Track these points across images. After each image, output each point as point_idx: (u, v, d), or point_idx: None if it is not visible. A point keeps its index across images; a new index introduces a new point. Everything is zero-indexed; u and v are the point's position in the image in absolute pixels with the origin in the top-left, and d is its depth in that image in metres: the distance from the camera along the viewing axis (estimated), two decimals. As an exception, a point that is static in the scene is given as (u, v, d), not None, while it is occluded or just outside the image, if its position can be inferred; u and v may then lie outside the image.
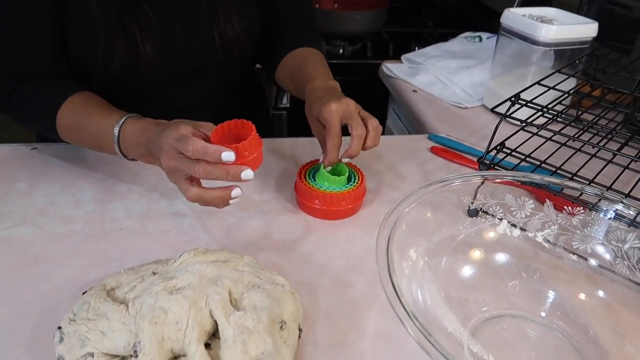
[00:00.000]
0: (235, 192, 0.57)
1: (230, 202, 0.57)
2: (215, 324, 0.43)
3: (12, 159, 0.75)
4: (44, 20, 0.68)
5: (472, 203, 0.57)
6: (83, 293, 0.49)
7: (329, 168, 0.67)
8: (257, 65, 0.96)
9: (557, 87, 0.76)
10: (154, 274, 0.48)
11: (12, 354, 0.46)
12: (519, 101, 0.68)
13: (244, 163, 0.54)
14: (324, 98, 0.66)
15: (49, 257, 0.58)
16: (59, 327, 0.44)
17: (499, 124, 0.67)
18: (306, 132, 0.82)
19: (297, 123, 1.45)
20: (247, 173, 0.54)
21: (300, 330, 0.47)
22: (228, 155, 0.53)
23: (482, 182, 0.56)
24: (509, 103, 0.70)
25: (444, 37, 1.43)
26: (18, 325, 0.49)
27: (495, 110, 0.68)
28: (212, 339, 0.43)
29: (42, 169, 0.73)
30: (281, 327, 0.45)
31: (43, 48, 0.70)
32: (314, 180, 0.68)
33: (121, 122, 0.63)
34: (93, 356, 0.41)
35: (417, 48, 1.40)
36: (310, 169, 0.70)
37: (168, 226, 0.64)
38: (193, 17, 0.75)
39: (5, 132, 1.28)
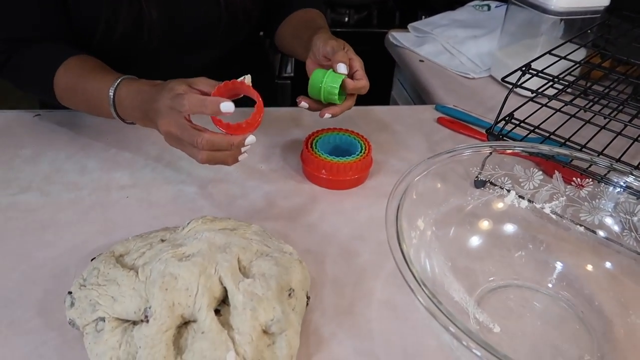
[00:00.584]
0: (248, 143, 0.55)
1: (240, 158, 0.56)
2: (225, 290, 0.43)
3: (16, 126, 0.74)
4: None
5: (480, 174, 0.57)
6: (92, 259, 0.49)
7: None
8: (261, 33, 0.95)
9: (567, 57, 0.74)
10: (163, 241, 0.49)
11: (23, 317, 0.47)
12: (530, 71, 0.67)
13: (246, 130, 0.54)
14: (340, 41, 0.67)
15: (57, 223, 0.58)
16: (70, 292, 0.44)
17: (508, 94, 0.66)
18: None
19: (302, 92, 1.43)
20: (251, 139, 0.54)
21: (308, 297, 0.48)
22: (226, 106, 0.51)
23: (490, 153, 0.56)
24: (518, 73, 0.68)
25: (451, 5, 1.40)
26: (29, 289, 0.50)
27: (505, 80, 0.67)
28: (222, 305, 0.43)
29: (46, 136, 0.72)
30: (289, 294, 0.45)
31: (42, 11, 0.68)
32: (319, 149, 0.67)
33: (116, 84, 0.61)
34: (104, 320, 0.42)
35: (423, 17, 1.38)
36: (317, 139, 0.70)
37: (173, 194, 0.64)
38: None
39: (8, 96, 1.27)
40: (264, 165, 0.71)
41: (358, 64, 0.65)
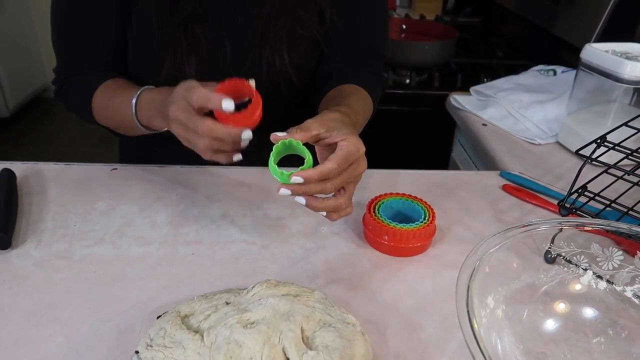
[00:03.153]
0: (244, 138, 0.56)
1: (235, 158, 0.59)
2: (288, 361, 0.42)
3: (94, 179, 0.79)
4: (109, 27, 0.75)
5: (551, 248, 0.54)
6: (157, 317, 0.50)
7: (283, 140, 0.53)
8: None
9: (644, 128, 0.72)
10: (227, 303, 0.49)
11: (89, 372, 0.48)
12: (605, 144, 0.65)
13: (245, 124, 0.56)
14: (347, 128, 0.58)
15: (126, 278, 0.60)
16: (137, 352, 0.45)
17: (582, 166, 0.64)
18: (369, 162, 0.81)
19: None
20: (247, 133, 0.56)
21: (370, 373, 0.46)
22: (227, 104, 0.55)
23: (560, 230, 0.53)
24: (592, 145, 0.66)
25: (514, 69, 1.40)
26: (96, 344, 0.51)
27: (579, 152, 0.65)
28: (284, 376, 0.43)
29: (121, 190, 0.76)
30: (352, 369, 0.44)
31: (103, 52, 0.77)
32: (382, 214, 0.67)
33: (139, 92, 0.68)
34: (168, 384, 0.42)
35: (485, 79, 1.38)
36: (380, 203, 0.69)
37: (237, 253, 0.65)
38: (243, 42, 0.77)
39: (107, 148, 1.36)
40: (326, 227, 0.71)
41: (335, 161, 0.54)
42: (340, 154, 0.53)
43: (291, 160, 0.59)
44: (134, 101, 0.68)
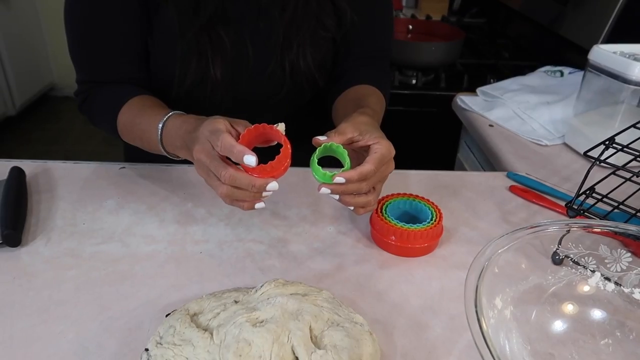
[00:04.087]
0: (269, 189, 0.55)
1: (257, 206, 0.57)
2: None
3: (102, 177, 0.79)
4: (130, 36, 0.74)
5: (558, 249, 0.54)
6: (167, 315, 0.50)
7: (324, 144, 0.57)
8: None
9: (653, 130, 0.71)
10: (236, 302, 0.49)
11: (99, 369, 0.48)
12: (614, 145, 0.65)
13: (271, 175, 0.54)
14: (378, 132, 0.60)
15: (135, 276, 0.60)
16: (146, 349, 0.45)
17: (590, 168, 0.64)
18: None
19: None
20: (273, 185, 0.55)
21: (378, 372, 0.46)
22: (249, 159, 0.53)
23: (568, 231, 0.53)
24: (600, 147, 0.66)
25: (520, 69, 1.40)
26: (106, 341, 0.51)
27: (587, 154, 0.65)
28: (293, 375, 0.43)
29: (129, 188, 0.77)
30: (360, 368, 0.44)
31: (125, 61, 0.76)
32: (389, 215, 0.67)
33: (165, 117, 0.65)
34: (178, 382, 0.42)
35: (492, 80, 1.38)
36: (387, 203, 0.70)
37: (244, 252, 0.65)
38: (267, 44, 0.77)
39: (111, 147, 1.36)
40: (332, 227, 0.71)
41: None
42: (376, 157, 0.57)
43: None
44: (160, 126, 0.65)
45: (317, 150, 0.57)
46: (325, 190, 0.57)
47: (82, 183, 0.77)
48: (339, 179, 0.55)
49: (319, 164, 0.57)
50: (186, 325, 0.46)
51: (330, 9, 0.78)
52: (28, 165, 0.79)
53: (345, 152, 0.57)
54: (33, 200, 0.73)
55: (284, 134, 0.55)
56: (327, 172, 0.57)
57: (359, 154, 0.61)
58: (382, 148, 0.57)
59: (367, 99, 0.75)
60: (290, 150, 0.55)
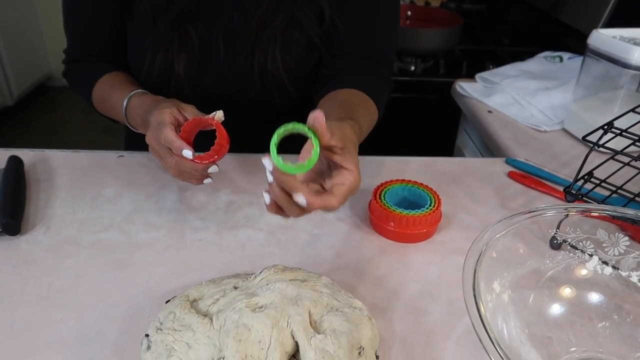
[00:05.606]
0: (210, 172, 0.62)
1: (205, 181, 0.63)
2: (296, 345, 0.43)
3: (101, 166, 0.79)
4: (107, 18, 0.77)
5: (557, 234, 0.54)
6: (166, 301, 0.51)
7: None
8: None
9: (652, 115, 0.71)
10: (235, 288, 0.49)
11: (100, 355, 0.49)
12: (613, 130, 0.64)
13: (211, 160, 0.60)
14: (356, 159, 0.52)
15: (134, 263, 0.60)
16: (147, 335, 0.46)
17: (589, 152, 0.63)
18: (373, 149, 0.81)
19: (365, 139, 1.44)
20: (213, 168, 0.61)
21: (377, 357, 0.47)
22: (187, 153, 0.58)
23: (566, 216, 0.53)
24: (599, 131, 0.66)
25: (520, 56, 1.39)
26: (106, 328, 0.51)
27: (586, 138, 0.65)
28: (292, 359, 0.43)
29: (128, 176, 0.77)
30: (359, 352, 0.44)
31: (101, 42, 0.81)
32: (387, 200, 0.67)
33: (129, 95, 0.72)
34: (178, 367, 0.42)
35: (491, 67, 1.37)
36: (386, 190, 0.70)
37: (244, 239, 0.65)
38: (237, 42, 0.75)
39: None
40: (331, 214, 0.71)
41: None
42: (344, 191, 0.50)
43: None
44: (124, 103, 0.72)
45: (277, 132, 0.47)
46: (269, 168, 0.49)
47: (80, 172, 0.77)
48: (301, 200, 0.48)
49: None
50: (186, 311, 0.46)
51: (309, 7, 0.74)
52: (26, 154, 0.79)
53: (316, 138, 0.48)
54: (32, 189, 0.73)
55: (220, 121, 0.61)
56: (290, 164, 0.47)
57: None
58: (353, 182, 0.50)
59: (356, 109, 0.68)
60: (225, 135, 0.60)
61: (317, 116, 0.48)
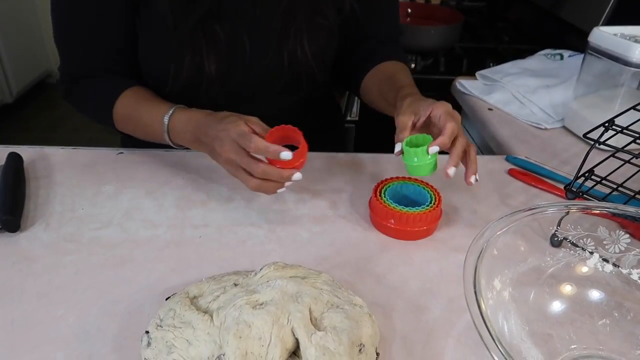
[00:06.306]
0: (294, 179, 0.61)
1: (279, 190, 0.63)
2: (296, 342, 0.43)
3: (101, 163, 0.79)
4: (115, 28, 0.73)
5: (557, 231, 0.54)
6: (167, 298, 0.51)
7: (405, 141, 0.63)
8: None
9: (653, 112, 0.71)
10: (236, 285, 0.49)
11: (100, 352, 0.48)
12: (613, 127, 0.64)
13: (294, 167, 0.61)
14: (427, 101, 0.65)
15: (134, 260, 0.60)
16: (147, 332, 0.46)
17: (589, 150, 0.63)
18: (373, 146, 0.82)
19: (367, 136, 1.44)
20: (297, 175, 0.61)
21: (377, 354, 0.47)
22: (286, 155, 0.59)
23: (567, 213, 0.53)
24: (600, 129, 0.66)
25: (520, 53, 1.39)
26: (106, 324, 0.51)
27: (586, 136, 0.64)
28: (292, 356, 0.43)
29: (127, 173, 0.76)
30: (360, 350, 0.44)
31: (109, 56, 0.76)
32: (388, 198, 0.67)
33: (170, 112, 0.70)
34: (178, 363, 0.42)
35: (491, 64, 1.37)
36: (386, 187, 0.69)
37: (244, 236, 0.65)
38: (263, 36, 0.76)
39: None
40: (331, 211, 0.71)
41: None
42: (443, 116, 0.62)
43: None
44: (165, 120, 0.69)
45: (404, 143, 0.62)
46: (452, 170, 0.61)
47: (80, 169, 0.77)
48: (434, 148, 0.60)
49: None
50: (186, 308, 0.46)
51: None
52: (26, 151, 0.79)
53: (427, 136, 0.62)
54: (31, 186, 0.73)
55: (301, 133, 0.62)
56: (415, 149, 0.61)
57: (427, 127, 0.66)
58: (439, 108, 0.62)
59: (398, 76, 0.79)
60: (307, 146, 0.62)
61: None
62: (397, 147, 0.63)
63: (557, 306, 0.52)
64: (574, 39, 1.33)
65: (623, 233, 0.53)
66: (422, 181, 0.71)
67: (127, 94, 0.75)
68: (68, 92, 0.79)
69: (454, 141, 0.62)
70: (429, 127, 0.65)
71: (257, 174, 0.60)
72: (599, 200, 0.63)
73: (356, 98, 1.39)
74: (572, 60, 1.22)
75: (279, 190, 0.63)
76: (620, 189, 0.65)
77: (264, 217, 0.69)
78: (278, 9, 0.74)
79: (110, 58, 0.76)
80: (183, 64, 0.72)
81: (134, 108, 0.74)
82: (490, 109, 1.07)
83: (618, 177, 0.69)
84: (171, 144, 0.72)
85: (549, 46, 1.31)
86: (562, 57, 1.23)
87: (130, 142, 0.86)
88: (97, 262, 0.60)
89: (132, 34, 0.74)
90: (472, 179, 0.63)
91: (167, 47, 0.73)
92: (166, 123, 0.69)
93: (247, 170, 0.61)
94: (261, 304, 0.44)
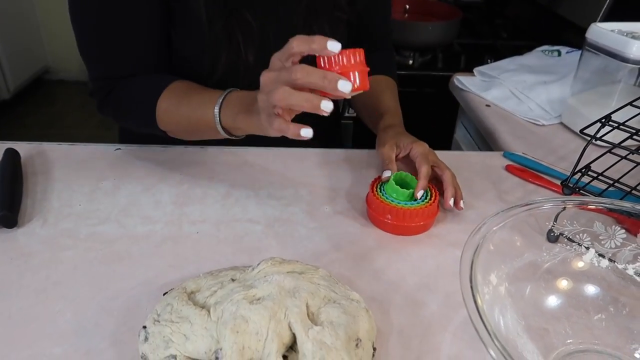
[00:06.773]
0: (325, 105, 0.51)
1: (302, 133, 0.54)
2: (293, 336, 0.43)
3: (98, 159, 0.79)
4: (147, 27, 0.71)
5: (554, 226, 0.55)
6: (164, 294, 0.51)
7: (391, 179, 0.69)
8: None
9: (649, 108, 0.71)
10: (233, 280, 0.49)
11: (98, 347, 0.49)
12: (610, 123, 0.64)
13: (343, 73, 0.49)
14: (408, 138, 0.74)
15: (132, 256, 0.60)
16: (144, 327, 0.46)
17: (586, 146, 0.64)
18: (370, 143, 0.82)
19: (364, 133, 1.44)
20: (344, 84, 0.49)
21: (374, 348, 0.47)
22: (333, 45, 0.49)
23: (564, 208, 0.54)
24: (597, 124, 0.66)
25: (518, 50, 1.39)
26: (104, 320, 0.52)
27: (583, 132, 0.65)
28: (289, 351, 0.43)
29: (125, 169, 0.76)
30: (357, 344, 0.44)
31: (145, 53, 0.73)
32: (385, 193, 0.67)
33: (226, 92, 0.65)
34: (176, 358, 0.42)
35: (489, 60, 1.37)
36: (383, 183, 0.70)
37: (241, 232, 0.65)
38: (288, 26, 0.77)
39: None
40: (329, 207, 0.71)
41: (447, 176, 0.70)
42: (420, 158, 0.70)
43: None
44: (220, 99, 0.64)
45: (392, 178, 0.68)
46: (452, 201, 0.68)
47: (77, 165, 0.77)
48: (420, 193, 0.66)
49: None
50: (183, 302, 0.46)
51: None
52: (23, 147, 0.78)
53: (412, 176, 0.69)
54: (29, 182, 0.73)
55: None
56: (405, 190, 0.67)
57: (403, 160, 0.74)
58: (417, 149, 0.71)
59: (383, 97, 0.83)
60: (366, 66, 0.51)
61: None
62: (387, 173, 0.69)
63: (553, 301, 0.52)
64: (572, 36, 1.33)
65: (619, 228, 0.53)
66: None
67: (172, 86, 0.71)
68: (103, 103, 0.74)
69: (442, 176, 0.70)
70: (406, 158, 0.73)
71: (296, 77, 0.50)
72: (596, 196, 0.64)
73: (354, 95, 1.39)
74: (569, 56, 1.22)
75: (302, 133, 0.53)
76: (616, 184, 0.65)
77: (262, 213, 0.69)
78: (299, 7, 0.76)
79: (148, 56, 0.73)
80: (220, 56, 0.73)
81: (182, 98, 0.69)
82: (487, 105, 1.07)
83: (614, 173, 0.69)
84: (219, 129, 0.65)
85: (547, 42, 1.31)
86: (559, 54, 1.23)
87: (127, 138, 0.86)
88: (95, 257, 0.60)
89: (165, 28, 0.73)
90: (461, 204, 0.69)
91: (201, 42, 0.72)
92: (220, 101, 0.64)
93: (289, 82, 0.52)
94: (258, 299, 0.45)
